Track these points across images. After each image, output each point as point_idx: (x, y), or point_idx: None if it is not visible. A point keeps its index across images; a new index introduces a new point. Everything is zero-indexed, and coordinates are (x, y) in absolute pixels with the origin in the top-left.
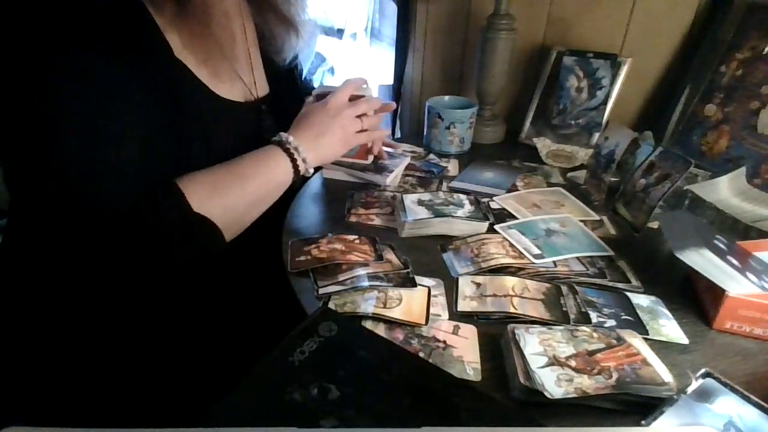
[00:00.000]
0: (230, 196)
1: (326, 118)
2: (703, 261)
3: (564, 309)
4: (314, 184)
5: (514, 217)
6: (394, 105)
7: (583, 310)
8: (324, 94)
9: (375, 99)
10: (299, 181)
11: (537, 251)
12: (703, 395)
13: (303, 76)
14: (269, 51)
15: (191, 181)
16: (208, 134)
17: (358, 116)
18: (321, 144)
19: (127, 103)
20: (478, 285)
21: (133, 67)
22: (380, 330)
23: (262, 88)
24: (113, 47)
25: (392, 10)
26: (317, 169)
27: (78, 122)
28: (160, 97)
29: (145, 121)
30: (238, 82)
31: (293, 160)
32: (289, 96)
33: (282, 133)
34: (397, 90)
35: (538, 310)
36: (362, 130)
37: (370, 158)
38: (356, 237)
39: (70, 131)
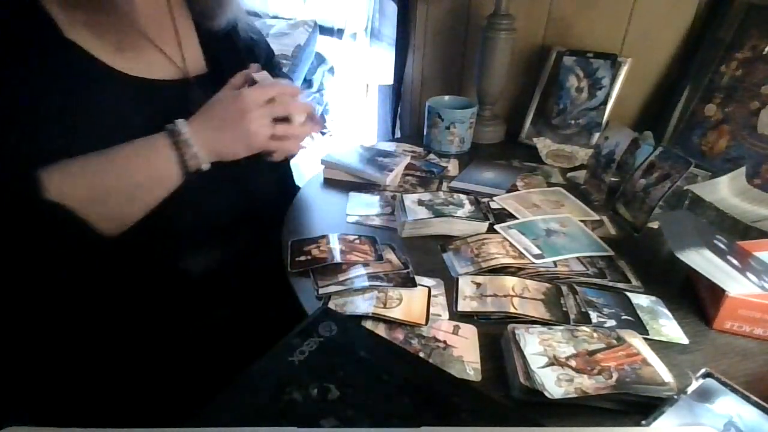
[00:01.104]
0: (99, 186)
1: (235, 113)
2: (703, 261)
3: (564, 309)
4: (314, 184)
5: (514, 217)
6: (322, 124)
7: (583, 310)
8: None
9: (305, 105)
10: (188, 176)
11: (537, 251)
12: (704, 395)
13: (270, 58)
14: (203, 19)
15: (55, 168)
16: (108, 116)
17: (276, 120)
18: (218, 140)
19: (11, 103)
20: (478, 285)
21: (18, 57)
22: (380, 330)
23: (196, 65)
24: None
25: (392, 10)
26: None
27: None
28: (47, 84)
29: (30, 116)
30: (158, 58)
31: (181, 154)
32: (232, 74)
33: (179, 121)
34: (397, 90)
35: (538, 310)
36: (276, 137)
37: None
38: (356, 237)
39: None
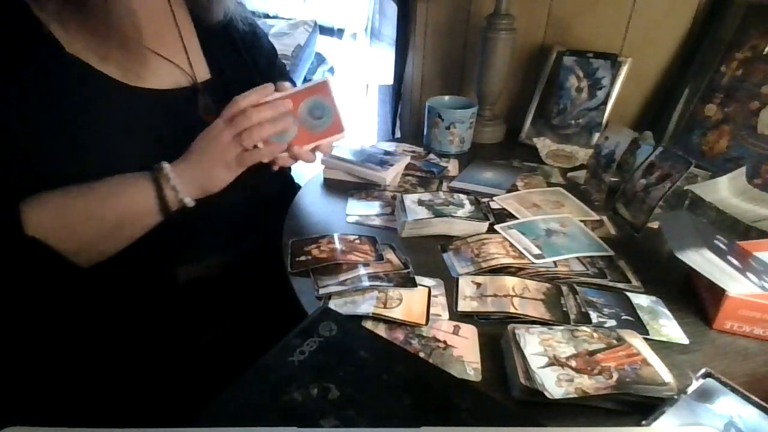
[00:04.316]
0: (77, 223)
1: (206, 140)
2: (703, 261)
3: (564, 309)
4: (314, 184)
5: (514, 217)
6: (289, 105)
7: (583, 310)
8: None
9: (267, 110)
10: (170, 211)
11: (537, 251)
12: (704, 395)
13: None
14: (199, 14)
15: (38, 202)
16: (113, 127)
17: (240, 133)
18: (199, 171)
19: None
20: (479, 285)
21: (20, 75)
22: (380, 330)
23: (201, 71)
24: None
25: (392, 10)
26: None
27: None
28: (50, 99)
29: (27, 128)
30: (167, 67)
31: (159, 190)
32: (235, 77)
33: (165, 165)
34: (397, 90)
35: (538, 310)
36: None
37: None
38: (356, 237)
39: None
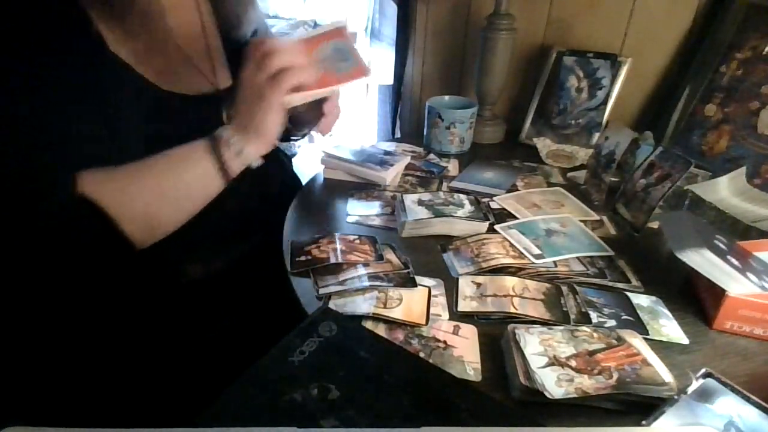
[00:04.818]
0: (132, 185)
1: (245, 88)
2: (703, 261)
3: (564, 309)
4: (314, 184)
5: (514, 217)
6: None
7: (583, 310)
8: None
9: (289, 46)
10: (231, 173)
11: (537, 251)
12: (704, 395)
13: None
14: (228, 30)
15: (95, 169)
16: (147, 130)
17: (275, 75)
18: (249, 120)
19: (50, 102)
20: (479, 285)
21: (62, 65)
22: (380, 330)
23: (225, 81)
24: (41, 47)
25: (392, 10)
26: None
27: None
28: (87, 94)
29: (69, 120)
30: (194, 74)
31: (218, 155)
32: None
33: (222, 127)
34: (397, 90)
35: (538, 310)
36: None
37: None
38: (356, 237)
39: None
